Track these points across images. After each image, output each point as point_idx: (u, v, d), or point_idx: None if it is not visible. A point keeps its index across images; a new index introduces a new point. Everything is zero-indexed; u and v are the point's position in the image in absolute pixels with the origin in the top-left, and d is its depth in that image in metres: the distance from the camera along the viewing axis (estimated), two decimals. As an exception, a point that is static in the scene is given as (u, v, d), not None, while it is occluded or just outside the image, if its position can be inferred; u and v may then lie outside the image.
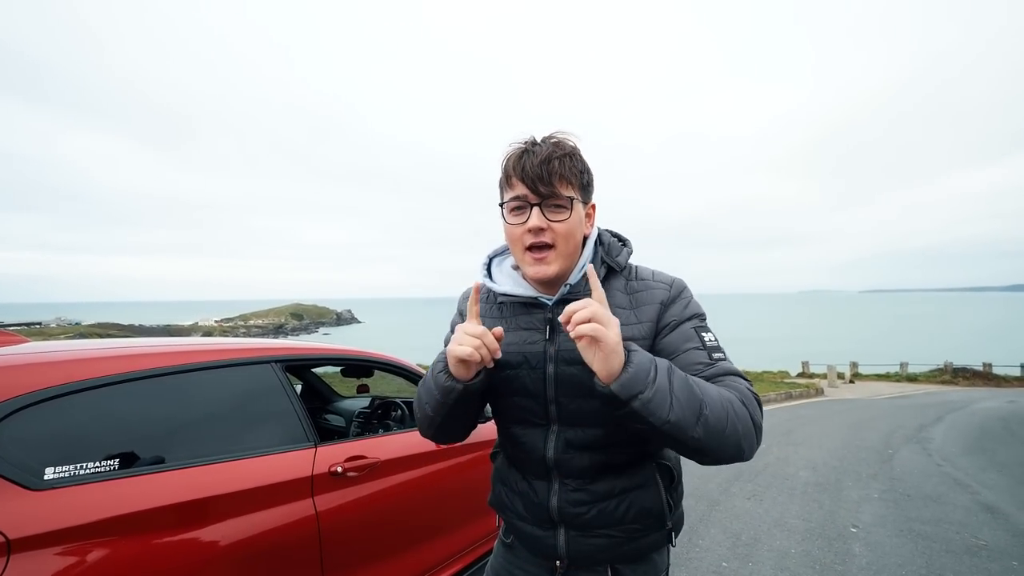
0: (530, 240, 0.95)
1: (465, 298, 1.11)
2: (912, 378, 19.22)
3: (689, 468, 5.36)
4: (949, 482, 5.00)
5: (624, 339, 0.85)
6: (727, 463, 0.87)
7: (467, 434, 1.10)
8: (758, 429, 0.88)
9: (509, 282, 1.06)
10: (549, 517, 1.02)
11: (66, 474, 1.29)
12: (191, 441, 1.58)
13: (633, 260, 1.08)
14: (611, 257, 1.03)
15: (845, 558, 3.27)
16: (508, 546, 1.15)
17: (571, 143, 0.99)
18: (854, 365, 20.37)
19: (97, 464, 1.35)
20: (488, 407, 1.14)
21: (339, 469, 1.84)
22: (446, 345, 1.03)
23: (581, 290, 0.99)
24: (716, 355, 0.94)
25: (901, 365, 20.02)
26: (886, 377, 19.84)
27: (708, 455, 0.84)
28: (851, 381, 18.13)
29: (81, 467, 1.32)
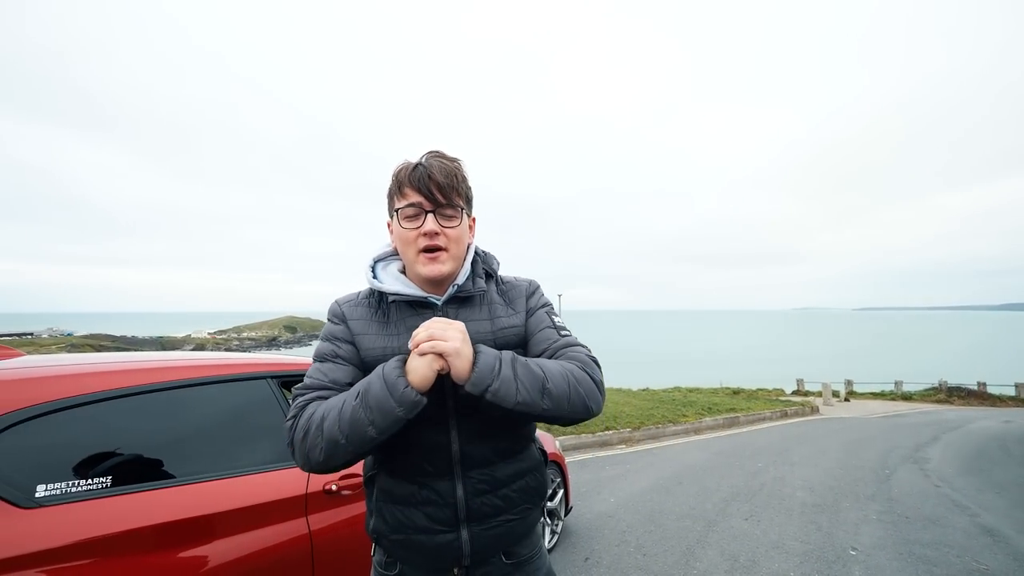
0: (424, 243, 1.04)
1: (344, 304, 1.12)
2: (907, 397, 19.21)
3: (684, 486, 5.32)
4: (948, 504, 4.97)
5: (508, 327, 1.10)
6: (580, 422, 1.04)
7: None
8: (599, 386, 1.03)
9: (398, 283, 1.10)
10: (455, 517, 1.01)
11: (58, 491, 1.27)
12: (185, 458, 1.56)
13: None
14: (487, 264, 1.19)
15: (844, 581, 3.23)
16: None
17: (457, 160, 1.10)
18: (849, 383, 20.37)
19: (89, 481, 1.33)
20: None
21: (333, 487, 1.82)
22: (318, 357, 1.05)
23: (469, 288, 1.10)
24: (563, 332, 1.13)
25: (896, 383, 20.02)
26: (881, 395, 19.82)
27: (561, 420, 0.99)
28: (846, 399, 18.11)
29: (73, 484, 1.30)
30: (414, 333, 0.93)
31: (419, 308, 1.09)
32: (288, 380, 2.06)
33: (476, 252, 1.19)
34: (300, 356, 2.62)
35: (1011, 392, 19.14)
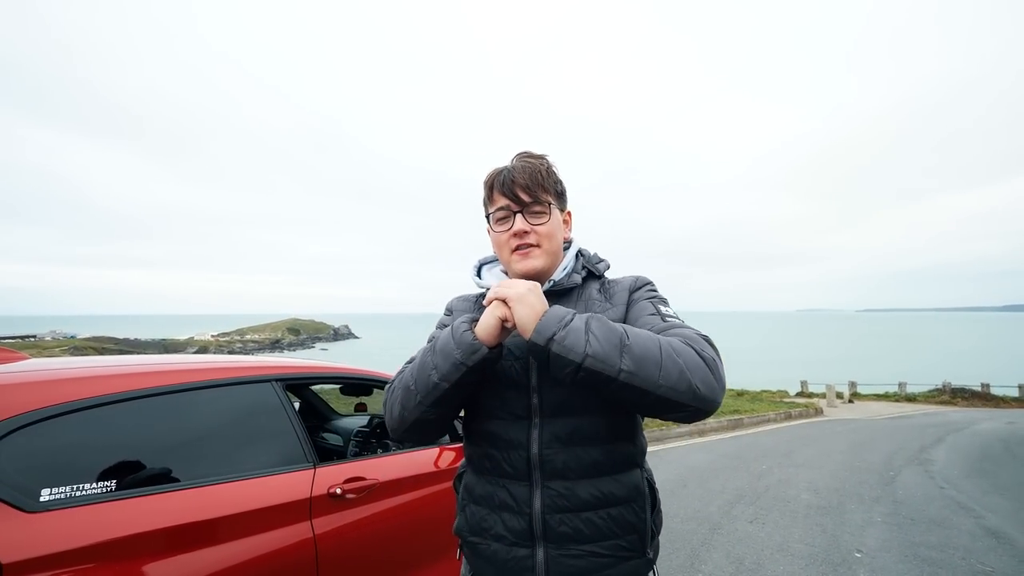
0: (516, 243, 1.05)
1: (461, 299, 1.21)
2: (911, 398, 19.12)
3: (688, 488, 5.30)
4: (953, 506, 4.94)
5: (616, 319, 1.01)
6: (693, 408, 0.84)
7: (442, 434, 1.08)
8: (710, 364, 0.86)
9: (497, 281, 1.11)
10: (530, 529, 0.96)
11: (63, 496, 1.27)
12: (189, 462, 1.56)
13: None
14: (591, 264, 1.15)
15: (850, 584, 3.21)
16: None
17: (542, 157, 1.09)
18: (853, 385, 20.30)
19: (94, 485, 1.33)
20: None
21: (338, 491, 1.81)
22: (430, 340, 1.05)
23: (564, 283, 1.09)
24: (669, 318, 1.00)
25: (900, 385, 19.94)
26: (885, 397, 19.73)
27: (658, 398, 0.83)
28: (850, 401, 18.04)
29: (78, 488, 1.30)
30: (490, 293, 0.96)
31: None
32: (292, 382, 2.05)
33: (580, 251, 1.16)
34: (304, 359, 2.63)
35: (1015, 393, 19.04)
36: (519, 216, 1.04)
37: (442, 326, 1.14)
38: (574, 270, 1.12)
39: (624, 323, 0.99)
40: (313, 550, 1.67)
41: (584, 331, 0.85)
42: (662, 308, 1.03)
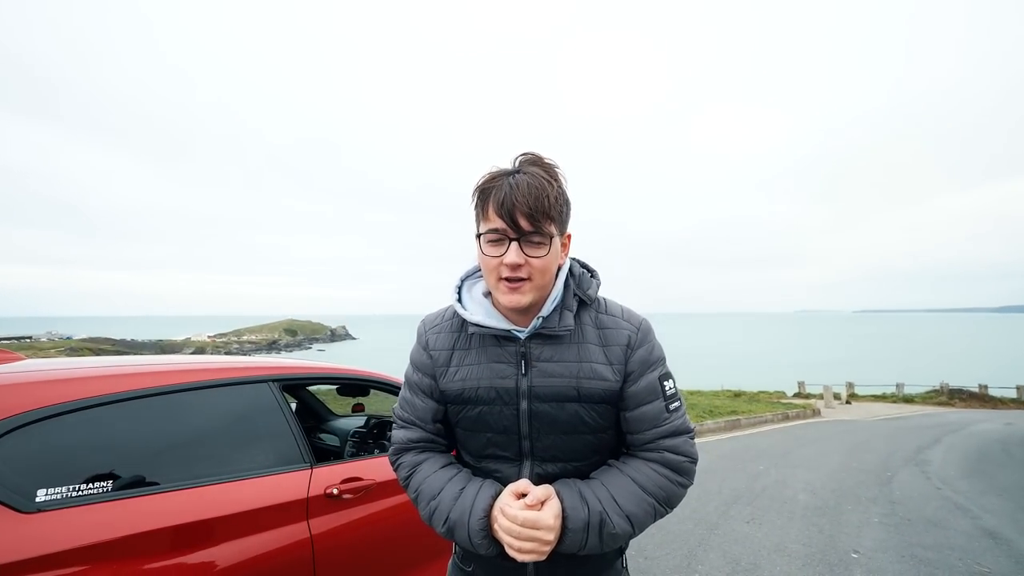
0: (507, 273, 0.94)
1: (430, 328, 1.09)
2: (908, 399, 19.17)
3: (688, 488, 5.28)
4: (949, 506, 4.96)
5: (596, 380, 0.96)
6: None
7: None
8: (685, 485, 1.01)
9: (481, 311, 1.02)
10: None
11: (59, 496, 1.26)
12: (187, 462, 1.56)
13: (603, 292, 1.09)
14: (582, 290, 1.03)
15: (847, 584, 3.22)
16: (468, 573, 1.10)
17: (552, 171, 0.96)
18: (850, 385, 20.34)
19: (90, 486, 1.33)
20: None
21: (335, 491, 1.81)
22: (407, 382, 1.10)
23: (554, 324, 0.99)
24: (672, 405, 1.01)
25: (897, 386, 19.99)
26: (882, 398, 19.78)
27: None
28: (847, 402, 18.07)
29: (74, 489, 1.30)
30: (500, 522, 0.92)
31: (503, 341, 1.01)
32: (288, 383, 2.05)
33: (571, 272, 1.05)
34: (300, 359, 2.62)
35: (1012, 394, 19.10)
36: (515, 246, 0.92)
37: (416, 368, 1.08)
38: (566, 304, 1.01)
39: (622, 388, 0.99)
40: (310, 550, 1.67)
41: (599, 544, 0.94)
42: (667, 388, 1.01)
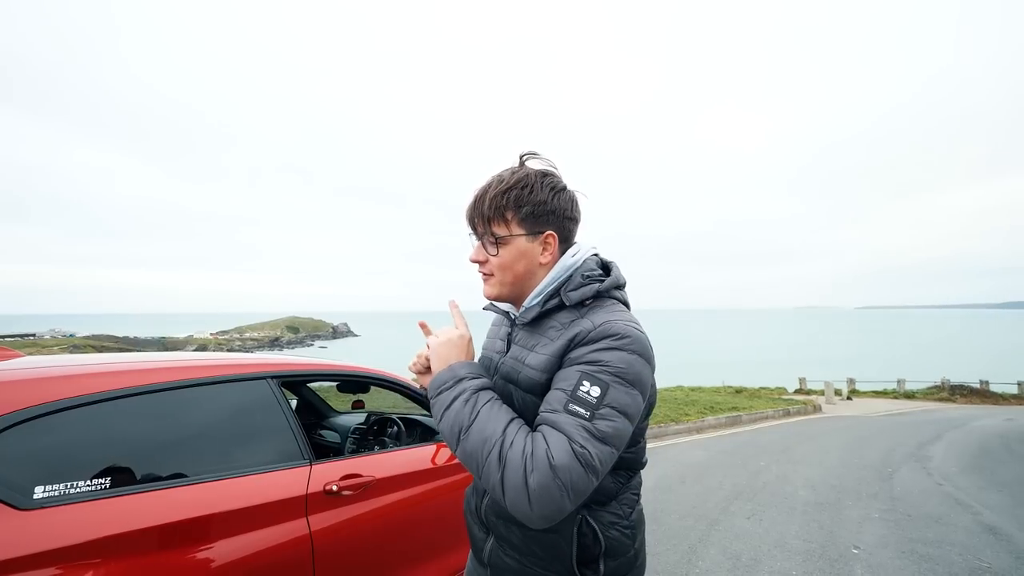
0: (477, 267, 1.07)
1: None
2: (909, 395, 19.17)
3: (686, 484, 5.30)
4: (950, 502, 4.96)
5: (529, 369, 0.97)
6: (514, 512, 0.81)
7: None
8: (532, 491, 0.77)
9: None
10: (480, 517, 1.11)
11: (56, 493, 1.26)
12: (186, 459, 1.56)
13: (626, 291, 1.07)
14: (565, 291, 1.00)
15: (847, 580, 3.22)
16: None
17: (523, 175, 0.98)
18: (851, 382, 20.34)
19: (88, 482, 1.33)
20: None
21: (334, 487, 1.81)
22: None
23: (527, 316, 1.04)
24: (573, 406, 0.84)
25: (898, 382, 19.98)
26: (883, 394, 19.77)
27: (485, 487, 0.86)
28: (848, 398, 18.07)
29: (72, 486, 1.29)
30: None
31: (507, 321, 1.16)
32: (289, 380, 2.05)
33: (575, 270, 1.03)
34: (302, 356, 2.62)
35: (1013, 390, 19.10)
36: (477, 244, 1.05)
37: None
38: (549, 296, 1.01)
39: (549, 377, 0.94)
40: (309, 547, 1.67)
41: (445, 405, 0.93)
42: (582, 388, 0.85)
